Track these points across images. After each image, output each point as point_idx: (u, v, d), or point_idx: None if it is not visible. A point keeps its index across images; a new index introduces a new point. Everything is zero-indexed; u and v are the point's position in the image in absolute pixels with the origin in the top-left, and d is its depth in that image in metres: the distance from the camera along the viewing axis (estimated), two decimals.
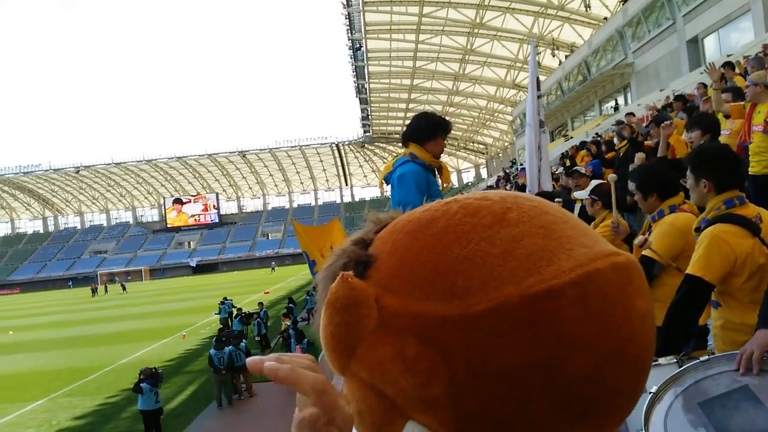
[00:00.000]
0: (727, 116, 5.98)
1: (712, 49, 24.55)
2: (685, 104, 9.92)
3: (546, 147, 5.17)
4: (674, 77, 24.97)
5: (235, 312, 19.22)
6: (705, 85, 10.95)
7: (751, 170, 5.16)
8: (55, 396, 13.23)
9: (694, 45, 25.38)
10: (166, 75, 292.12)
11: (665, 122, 5.69)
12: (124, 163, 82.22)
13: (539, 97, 5.08)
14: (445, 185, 3.70)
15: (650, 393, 1.92)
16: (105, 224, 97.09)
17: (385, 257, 0.44)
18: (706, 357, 1.97)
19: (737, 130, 5.47)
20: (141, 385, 9.45)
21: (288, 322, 15.20)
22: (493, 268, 0.39)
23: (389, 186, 3.65)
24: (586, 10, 33.59)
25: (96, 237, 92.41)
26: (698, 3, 24.05)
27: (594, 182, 4.34)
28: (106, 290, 54.61)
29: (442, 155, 3.60)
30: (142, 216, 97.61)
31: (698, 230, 2.56)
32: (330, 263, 0.48)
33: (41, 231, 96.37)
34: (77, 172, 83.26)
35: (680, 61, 25.97)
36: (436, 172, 3.63)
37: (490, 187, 31.84)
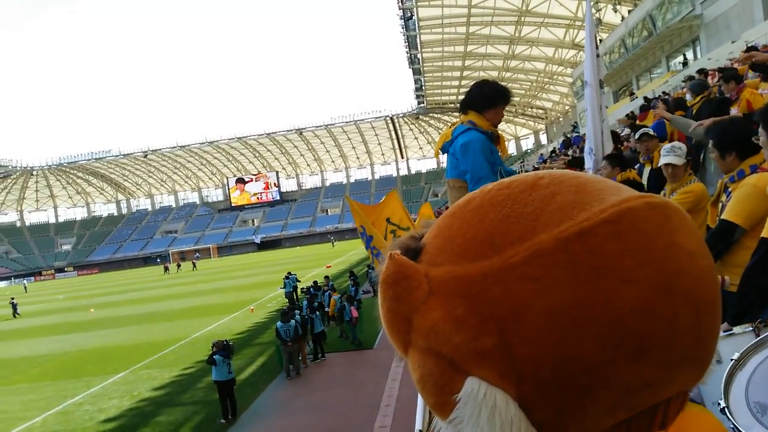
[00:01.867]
0: None
1: None
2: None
3: (605, 108, 4.94)
4: (746, 27, 23.25)
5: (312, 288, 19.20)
6: None
7: None
8: (135, 368, 14.05)
9: None
10: (224, 58, 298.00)
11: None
12: (188, 145, 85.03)
13: (598, 56, 4.82)
14: (502, 154, 3.61)
15: (732, 360, 1.82)
16: (174, 205, 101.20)
17: (431, 241, 0.46)
18: None
19: None
20: (214, 357, 9.87)
21: (337, 296, 15.39)
22: (528, 223, 0.41)
23: (446, 155, 3.58)
24: None
25: (166, 218, 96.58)
26: None
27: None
28: (178, 267, 56.98)
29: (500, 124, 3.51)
30: (207, 196, 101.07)
31: None
32: (386, 253, 0.49)
33: (115, 213, 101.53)
34: (145, 156, 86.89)
35: (753, 10, 24.11)
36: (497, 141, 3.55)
37: (552, 152, 30.92)
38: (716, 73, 11.47)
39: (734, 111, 6.09)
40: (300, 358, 12.28)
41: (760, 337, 1.85)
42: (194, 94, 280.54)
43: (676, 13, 30.86)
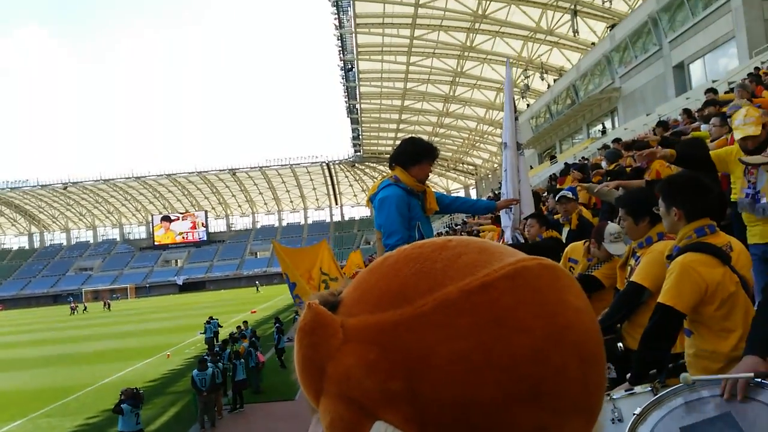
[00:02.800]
0: (712, 140, 6.07)
1: (698, 74, 25.01)
2: (666, 130, 10.04)
3: (525, 170, 5.19)
4: (660, 102, 25.34)
5: (224, 332, 18.87)
6: (688, 111, 11.14)
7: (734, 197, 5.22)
8: (33, 416, 12.94)
9: (680, 70, 25.84)
10: (156, 92, 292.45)
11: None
12: (113, 179, 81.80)
13: (516, 119, 5.11)
14: (429, 209, 3.70)
15: (634, 414, 1.90)
16: (91, 241, 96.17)
17: (349, 294, 0.49)
18: (692, 380, 1.95)
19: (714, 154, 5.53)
20: (122, 405, 9.26)
21: (246, 343, 14.93)
22: (436, 277, 0.45)
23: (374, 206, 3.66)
24: (575, 35, 34.16)
25: (82, 254, 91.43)
26: (684, 29, 24.55)
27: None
28: (84, 309, 52.58)
29: (431, 175, 3.61)
30: (129, 233, 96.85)
31: (670, 258, 2.56)
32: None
33: (26, 247, 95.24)
34: (65, 188, 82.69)
35: (666, 86, 26.41)
36: (422, 197, 3.63)
37: None
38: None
39: (646, 179, 6.55)
40: (216, 408, 11.71)
41: (660, 394, 1.95)
42: (122, 128, 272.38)
43: (597, 84, 33.29)
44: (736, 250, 2.58)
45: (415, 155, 3.52)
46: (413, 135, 3.93)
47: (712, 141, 6.08)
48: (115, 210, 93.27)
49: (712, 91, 10.45)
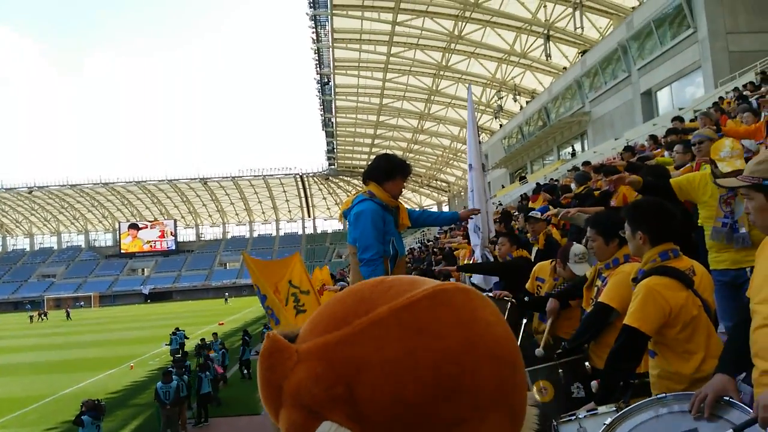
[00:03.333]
0: (677, 167, 6.27)
1: (665, 102, 25.85)
2: (633, 155, 10.35)
3: (488, 189, 5.36)
4: (628, 127, 26.08)
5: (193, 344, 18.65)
6: (654, 138, 11.50)
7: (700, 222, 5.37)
8: None
9: (648, 97, 26.66)
10: (129, 99, 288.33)
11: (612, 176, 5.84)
12: (80, 185, 80.00)
13: (480, 142, 5.29)
14: (402, 224, 3.75)
15: (604, 424, 1.96)
16: (55, 247, 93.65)
17: (305, 328, 0.57)
18: (663, 395, 2.00)
19: (677, 182, 5.72)
20: (82, 417, 9.05)
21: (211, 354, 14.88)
22: (374, 302, 0.54)
23: (347, 221, 3.70)
24: (547, 59, 34.98)
25: (45, 260, 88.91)
26: (653, 58, 25.38)
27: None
28: (42, 317, 50.71)
29: (404, 191, 3.66)
30: (95, 240, 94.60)
31: (635, 280, 2.66)
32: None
33: None
34: (30, 192, 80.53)
35: (634, 112, 27.19)
36: (395, 212, 3.68)
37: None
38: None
39: (613, 203, 6.75)
40: (180, 422, 11.49)
41: (631, 406, 2.00)
42: (89, 133, 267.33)
43: (568, 108, 34.10)
44: (699, 273, 2.69)
45: (390, 171, 3.58)
46: (387, 151, 4.03)
47: (676, 168, 6.29)
48: (81, 216, 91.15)
49: (678, 119, 10.82)
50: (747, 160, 3.51)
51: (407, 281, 0.57)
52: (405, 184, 3.78)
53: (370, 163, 3.74)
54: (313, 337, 0.55)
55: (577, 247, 4.27)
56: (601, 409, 2.28)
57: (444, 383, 0.50)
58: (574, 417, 2.38)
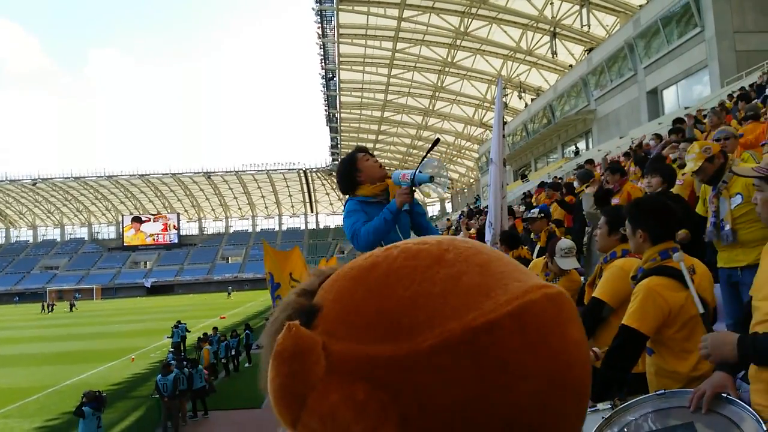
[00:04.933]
0: (680, 166, 6.23)
1: (671, 100, 25.71)
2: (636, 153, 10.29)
3: (506, 185, 5.31)
4: (633, 126, 25.96)
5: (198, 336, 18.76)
6: (659, 136, 11.43)
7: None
8: None
9: (654, 96, 26.53)
10: (134, 93, 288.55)
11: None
12: (84, 177, 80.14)
13: (504, 136, 5.22)
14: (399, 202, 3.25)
15: (603, 418, 1.97)
16: (59, 239, 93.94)
17: (330, 305, 0.44)
18: (662, 390, 2.02)
19: (689, 181, 5.69)
20: (83, 408, 9.06)
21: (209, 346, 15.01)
22: (436, 306, 0.41)
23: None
24: (553, 57, 34.84)
25: (48, 252, 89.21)
26: (659, 56, 25.24)
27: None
28: (50, 308, 50.98)
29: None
30: (98, 233, 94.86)
31: (635, 278, 2.65)
32: (275, 317, 0.48)
33: None
34: (34, 184, 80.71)
35: (640, 111, 27.06)
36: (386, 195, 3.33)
37: (456, 224, 32.20)
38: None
39: (616, 201, 6.72)
40: (180, 415, 11.51)
41: (629, 402, 2.02)
42: (95, 126, 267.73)
43: (573, 106, 33.96)
44: (699, 273, 2.68)
45: (347, 176, 3.28)
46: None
47: (679, 167, 6.25)
48: (85, 209, 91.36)
49: (679, 120, 10.74)
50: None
51: (476, 264, 0.44)
52: (374, 159, 3.35)
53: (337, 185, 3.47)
54: (348, 335, 0.42)
55: (563, 242, 4.34)
56: (599, 406, 2.28)
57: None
58: None
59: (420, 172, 3.09)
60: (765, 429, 1.62)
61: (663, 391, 2.00)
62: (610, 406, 2.18)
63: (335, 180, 3.49)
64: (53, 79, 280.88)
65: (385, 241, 3.15)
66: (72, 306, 51.78)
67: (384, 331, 0.41)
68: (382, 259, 0.46)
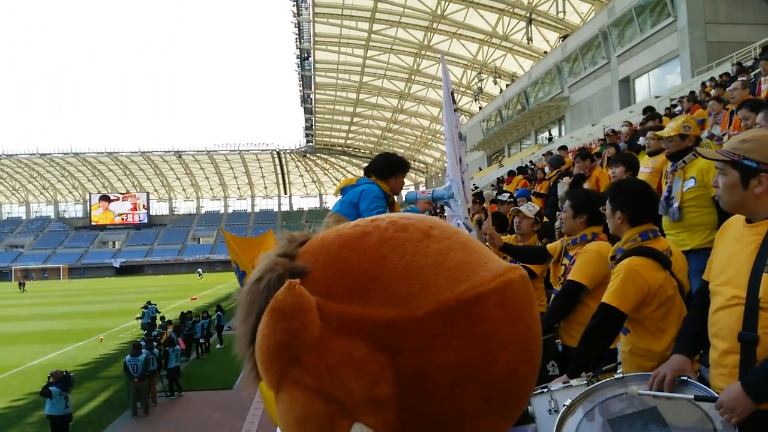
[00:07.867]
0: (650, 154, 6.36)
1: (643, 89, 26.10)
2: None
3: (465, 158, 5.31)
4: (605, 114, 26.30)
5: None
6: (631, 123, 11.63)
7: None
8: None
9: (626, 84, 26.89)
10: (102, 67, 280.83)
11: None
12: (50, 154, 77.97)
13: (456, 110, 5.25)
14: None
15: (564, 406, 2.01)
16: (24, 217, 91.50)
17: (321, 268, 0.46)
18: (621, 375, 2.06)
19: (659, 168, 5.83)
20: (50, 388, 8.92)
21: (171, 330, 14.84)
22: (430, 277, 0.43)
23: (340, 197, 3.73)
24: (528, 43, 34.97)
25: (13, 230, 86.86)
26: (632, 45, 25.55)
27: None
28: (21, 287, 49.43)
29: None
30: (64, 211, 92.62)
31: (614, 258, 2.71)
32: (259, 276, 0.48)
33: None
34: None
35: (612, 99, 27.42)
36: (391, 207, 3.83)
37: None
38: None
39: (586, 185, 6.84)
40: (150, 395, 11.43)
41: (590, 387, 2.07)
42: (62, 101, 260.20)
43: (547, 92, 34.23)
44: (675, 255, 2.75)
45: (393, 167, 3.76)
46: (387, 151, 4.51)
47: (649, 155, 6.38)
48: (51, 186, 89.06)
49: (650, 109, 10.95)
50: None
51: (458, 242, 0.47)
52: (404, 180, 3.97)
53: (372, 159, 3.92)
54: (344, 296, 0.43)
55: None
56: (573, 382, 2.34)
57: (497, 398, 0.44)
58: (546, 389, 2.43)
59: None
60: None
61: (621, 375, 2.05)
62: (585, 382, 2.23)
63: (378, 160, 3.84)
64: (13, 48, 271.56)
65: None
66: (21, 285, 49.71)
67: (381, 296, 0.43)
68: (372, 228, 0.47)
